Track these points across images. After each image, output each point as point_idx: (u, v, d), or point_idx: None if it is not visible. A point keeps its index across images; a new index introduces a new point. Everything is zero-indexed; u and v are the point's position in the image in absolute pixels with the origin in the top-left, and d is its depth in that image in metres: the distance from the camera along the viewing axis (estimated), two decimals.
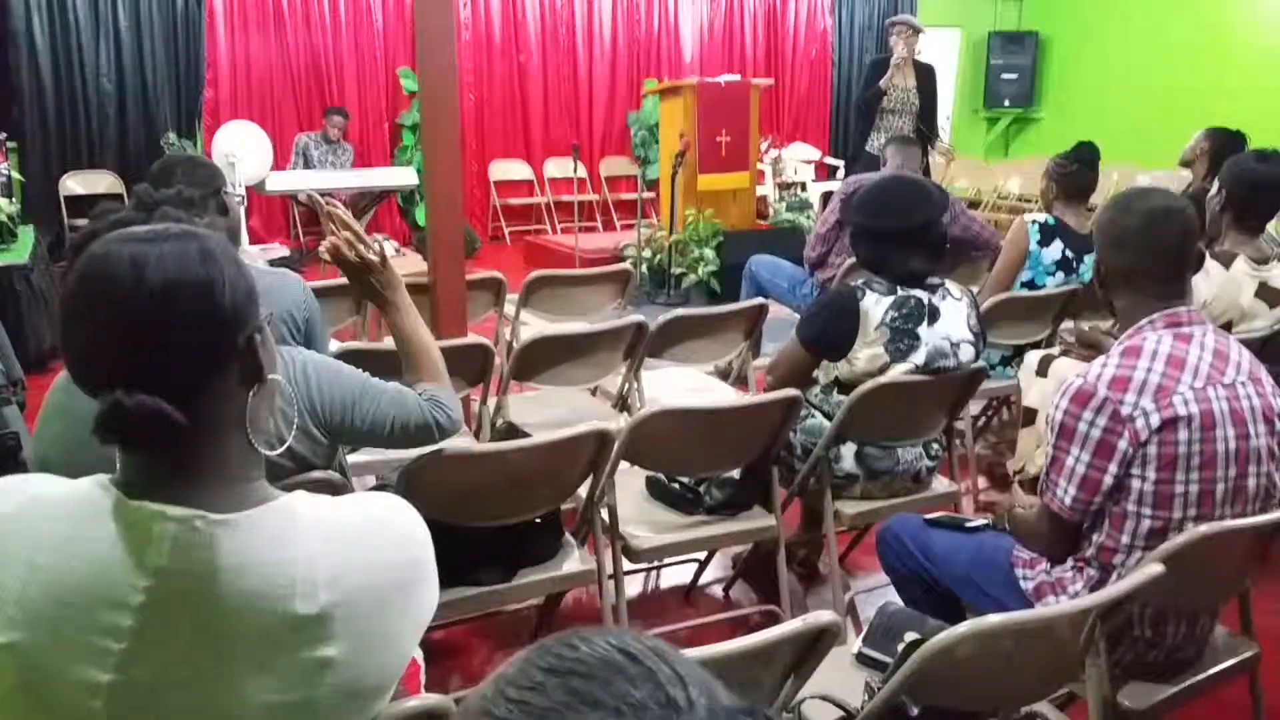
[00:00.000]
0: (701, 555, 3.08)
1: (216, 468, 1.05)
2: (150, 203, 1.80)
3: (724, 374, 4.27)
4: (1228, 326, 3.11)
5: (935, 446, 2.84)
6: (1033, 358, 3.38)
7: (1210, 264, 3.16)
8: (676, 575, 3.22)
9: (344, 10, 8.64)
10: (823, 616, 1.50)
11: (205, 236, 1.07)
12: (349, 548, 1.07)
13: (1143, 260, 1.91)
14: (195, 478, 1.04)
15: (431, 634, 2.73)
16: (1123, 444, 1.80)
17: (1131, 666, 1.96)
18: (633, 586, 3.17)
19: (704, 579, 3.17)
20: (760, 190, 8.69)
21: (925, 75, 6.57)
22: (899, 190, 2.78)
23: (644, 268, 6.82)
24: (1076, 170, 3.77)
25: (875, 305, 2.61)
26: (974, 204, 9.52)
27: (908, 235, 2.65)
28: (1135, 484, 1.82)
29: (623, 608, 2.48)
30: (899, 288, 2.64)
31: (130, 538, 1.00)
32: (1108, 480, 1.82)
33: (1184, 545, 1.76)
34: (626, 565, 2.57)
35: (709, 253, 6.59)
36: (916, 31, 6.53)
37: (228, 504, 1.03)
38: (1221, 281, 3.15)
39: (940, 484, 2.91)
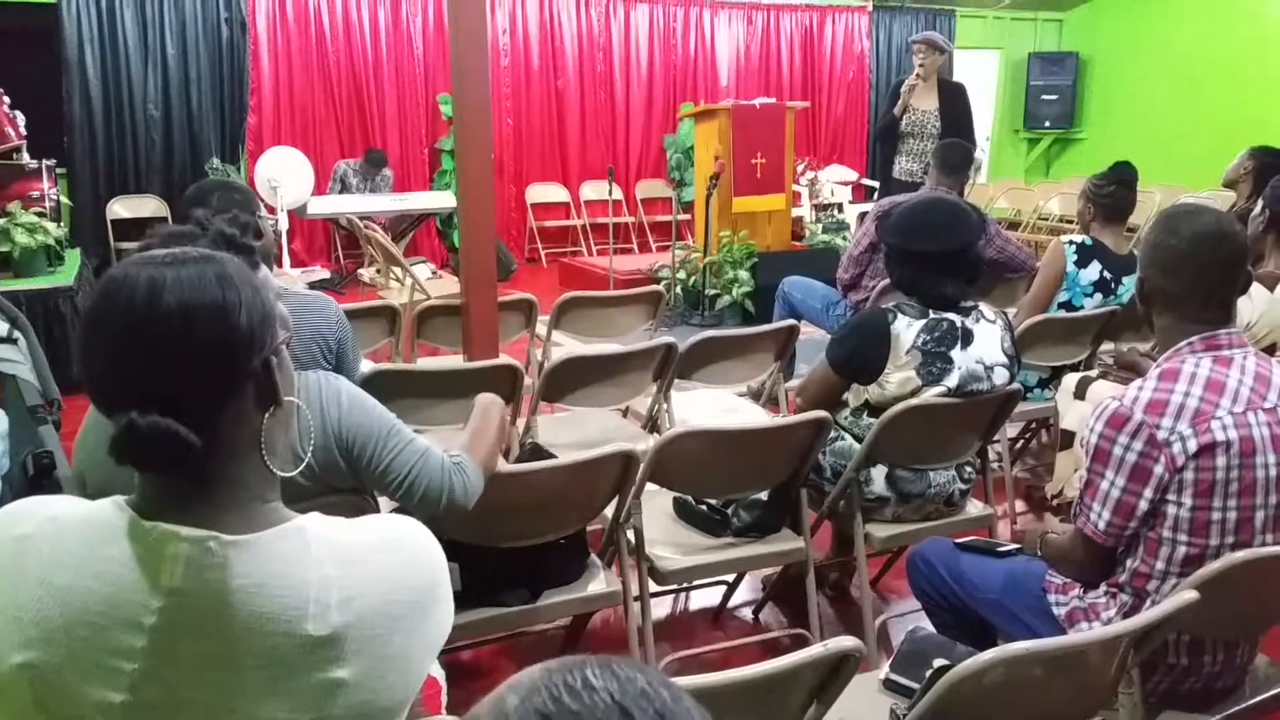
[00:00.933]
0: (730, 577, 3.06)
1: (231, 489, 1.05)
2: (207, 225, 1.83)
3: (757, 395, 4.25)
4: (1271, 349, 3.05)
5: (968, 469, 2.80)
6: (1070, 380, 3.33)
7: (1254, 286, 3.10)
8: (706, 597, 3.20)
9: (385, 37, 8.77)
10: (845, 642, 1.47)
11: (224, 260, 1.07)
12: (361, 569, 1.07)
13: (1188, 285, 1.84)
14: (210, 499, 1.04)
15: (456, 654, 2.74)
16: (1158, 469, 1.76)
17: (1167, 695, 1.91)
18: (662, 608, 3.15)
19: (734, 601, 3.14)
20: (797, 212, 8.68)
21: (951, 95, 6.06)
22: (937, 213, 2.72)
23: (679, 289, 6.83)
24: (1114, 190, 3.71)
25: (907, 328, 2.58)
26: (1014, 225, 9.44)
27: (943, 259, 2.61)
28: (1171, 510, 1.78)
29: (649, 630, 2.46)
30: (931, 310, 2.61)
31: (144, 558, 1.00)
32: (1142, 505, 1.78)
33: (1220, 572, 1.71)
34: (654, 587, 2.56)
35: (743, 274, 6.58)
36: (936, 50, 6.04)
37: (241, 525, 1.03)
38: (1265, 303, 3.09)
39: (974, 507, 2.87)
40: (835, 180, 10.03)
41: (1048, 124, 11.42)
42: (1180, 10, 10.16)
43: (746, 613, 3.14)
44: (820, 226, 8.32)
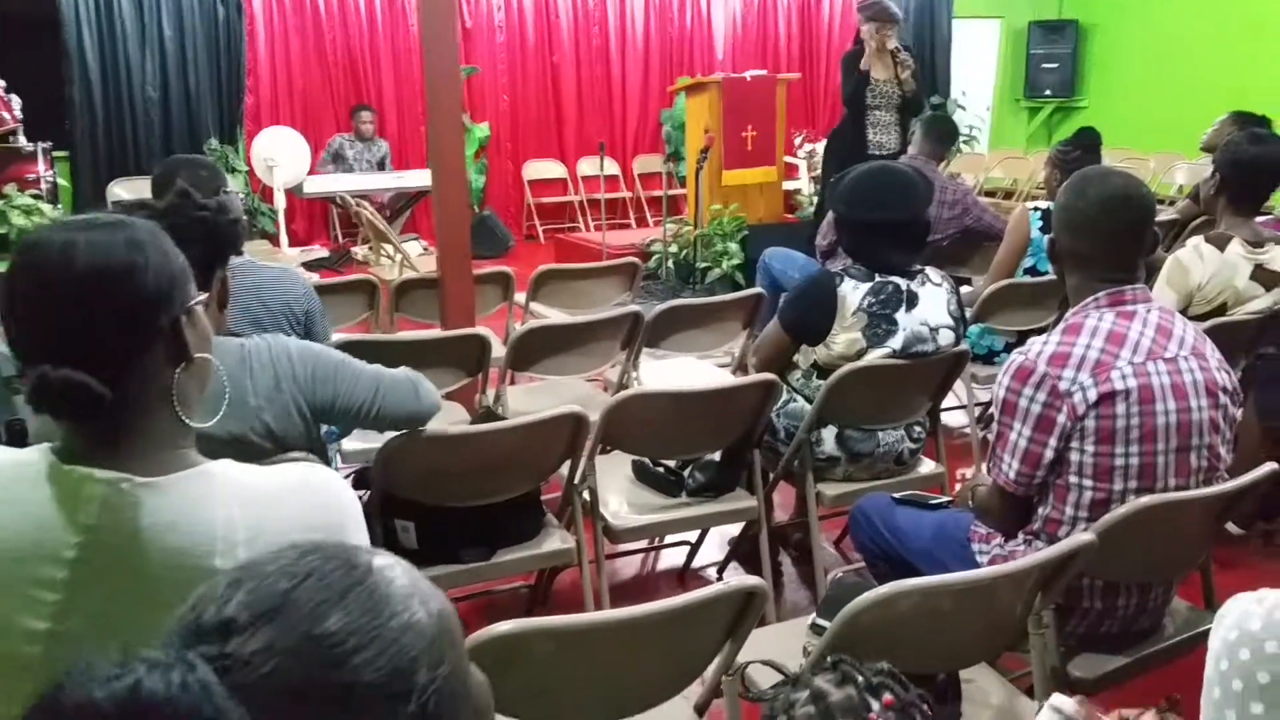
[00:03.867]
0: (692, 536, 3.16)
1: (143, 436, 1.14)
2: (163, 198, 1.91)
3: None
4: (1222, 309, 3.11)
5: (918, 429, 2.88)
6: None
7: (1205, 247, 3.15)
8: (674, 557, 3.29)
9: (380, 14, 8.83)
10: (748, 580, 1.57)
11: (135, 226, 1.16)
12: (267, 510, 1.16)
13: (1096, 246, 1.93)
14: (124, 445, 1.13)
15: None
16: (1061, 418, 1.84)
17: (1085, 638, 2.00)
18: (630, 567, 3.26)
19: (702, 561, 3.24)
20: (795, 184, 8.71)
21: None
22: (884, 182, 2.75)
23: (670, 263, 6.90)
24: (1080, 156, 3.76)
25: (853, 291, 2.66)
26: (1009, 194, 9.45)
27: (889, 228, 2.67)
28: (1075, 456, 1.86)
29: (604, 585, 2.56)
30: (877, 274, 2.68)
31: (63, 499, 1.10)
32: (1048, 454, 1.87)
33: (1123, 517, 1.79)
34: (621, 546, 2.64)
35: (733, 246, 6.64)
36: (892, 20, 5.88)
37: (153, 469, 1.13)
38: (1216, 264, 3.14)
39: (927, 466, 2.95)
40: None
41: (1048, 93, 11.37)
42: None
43: (712, 572, 3.24)
44: (818, 198, 8.35)
